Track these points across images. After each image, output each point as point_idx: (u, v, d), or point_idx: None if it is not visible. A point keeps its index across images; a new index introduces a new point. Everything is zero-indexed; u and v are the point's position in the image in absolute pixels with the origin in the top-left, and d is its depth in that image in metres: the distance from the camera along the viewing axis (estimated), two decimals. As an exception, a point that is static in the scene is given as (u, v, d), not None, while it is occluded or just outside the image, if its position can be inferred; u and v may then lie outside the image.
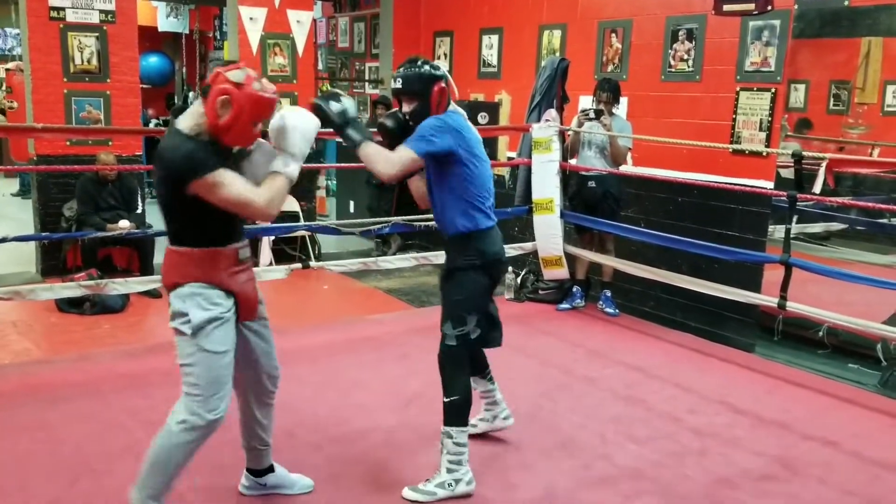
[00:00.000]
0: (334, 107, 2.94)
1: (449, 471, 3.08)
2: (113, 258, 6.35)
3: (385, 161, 2.94)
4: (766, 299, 4.76)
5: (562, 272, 5.92)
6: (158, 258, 6.12)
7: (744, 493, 3.26)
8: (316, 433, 3.64)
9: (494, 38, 7.22)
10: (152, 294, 5.77)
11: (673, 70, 5.64)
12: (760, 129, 5.10)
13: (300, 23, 7.21)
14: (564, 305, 5.92)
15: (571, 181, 5.87)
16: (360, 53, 9.56)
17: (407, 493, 3.09)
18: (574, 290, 5.95)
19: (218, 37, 12.62)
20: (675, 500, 3.18)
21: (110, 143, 6.38)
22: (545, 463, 3.46)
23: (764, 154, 5.07)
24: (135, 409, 3.82)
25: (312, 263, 5.59)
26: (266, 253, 6.69)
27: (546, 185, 5.80)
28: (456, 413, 3.08)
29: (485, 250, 3.08)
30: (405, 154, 2.94)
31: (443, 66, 3.01)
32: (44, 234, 6.28)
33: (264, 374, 2.89)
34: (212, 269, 2.61)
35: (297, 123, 2.68)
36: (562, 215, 5.81)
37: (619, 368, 4.73)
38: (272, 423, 3.00)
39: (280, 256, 6.78)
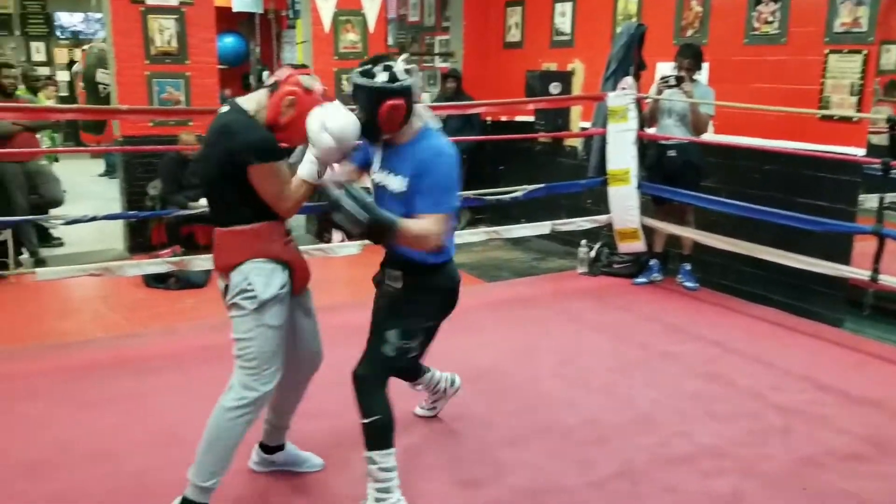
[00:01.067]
0: (345, 220, 2.48)
1: (377, 500, 2.73)
2: (195, 235, 6.53)
3: (434, 236, 2.57)
4: (856, 272, 4.55)
5: (638, 245, 5.79)
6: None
7: (831, 473, 3.14)
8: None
9: (567, 6, 7.07)
10: (233, 269, 5.92)
11: (757, 33, 5.41)
12: (851, 94, 4.85)
13: (371, -2, 7.21)
14: (641, 279, 5.80)
15: (649, 151, 5.73)
16: (430, 27, 9.51)
17: None
18: (651, 263, 5.82)
19: (291, 16, 12.75)
20: (757, 480, 3.10)
21: (190, 123, 6.54)
22: (621, 439, 3.41)
23: (854, 120, 4.82)
24: (218, 381, 3.90)
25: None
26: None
27: (622, 156, 5.67)
28: (378, 435, 2.71)
29: (450, 277, 2.84)
30: (440, 220, 2.58)
31: (408, 68, 2.60)
32: (130, 212, 6.51)
33: (308, 353, 2.93)
34: (270, 242, 2.67)
35: (337, 133, 2.54)
36: (639, 186, 5.68)
37: (699, 344, 4.61)
38: (299, 402, 3.02)
39: (354, 232, 6.85)
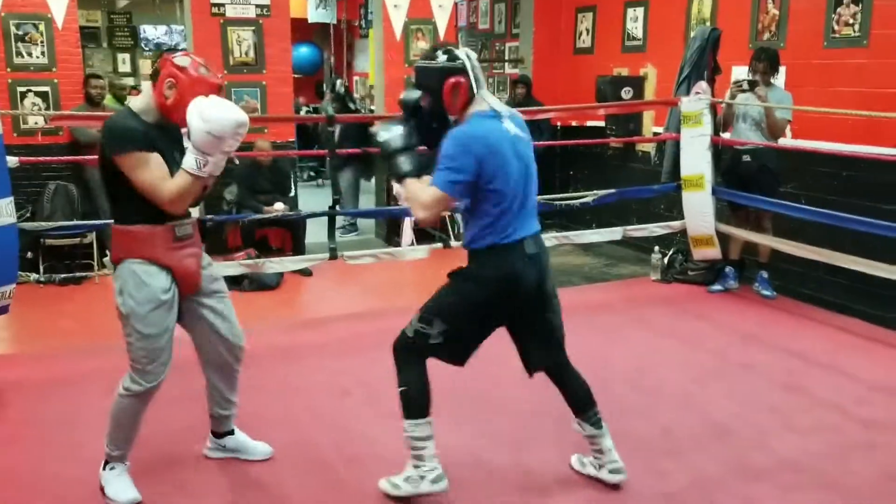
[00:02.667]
0: (381, 136, 2.75)
1: (414, 466, 2.83)
2: (268, 238, 6.68)
3: (419, 205, 2.66)
4: (945, 282, 4.35)
5: (713, 252, 5.66)
6: (310, 238, 6.41)
7: (919, 491, 3.01)
8: (461, 408, 3.67)
9: (640, 11, 6.99)
10: (304, 272, 6.04)
11: (837, 36, 5.24)
12: (940, 96, 4.65)
13: (442, 7, 7.27)
14: (716, 287, 5.66)
15: (724, 156, 5.60)
16: (500, 34, 9.52)
17: (381, 482, 2.92)
18: (727, 270, 5.68)
19: (363, 25, 12.96)
20: (839, 496, 2.98)
21: (265, 131, 6.70)
22: (696, 451, 3.33)
23: (944, 123, 4.61)
24: (290, 380, 4.01)
25: (452, 243, 5.64)
26: (408, 233, 6.82)
27: (696, 161, 5.55)
28: (408, 404, 2.80)
29: (496, 266, 2.72)
30: (433, 194, 2.62)
31: (469, 56, 2.68)
32: (207, 216, 6.69)
33: (223, 348, 3.02)
34: (149, 245, 2.73)
35: (213, 121, 2.55)
36: (713, 192, 5.55)
37: (778, 354, 4.47)
38: (235, 392, 3.16)
39: (421, 237, 6.89)
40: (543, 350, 2.92)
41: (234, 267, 5.00)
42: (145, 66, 14.57)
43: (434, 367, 2.87)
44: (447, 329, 2.75)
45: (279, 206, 6.18)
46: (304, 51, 13.23)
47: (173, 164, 2.69)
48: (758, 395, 3.91)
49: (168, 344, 2.84)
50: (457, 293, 2.78)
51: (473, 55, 2.72)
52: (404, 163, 2.72)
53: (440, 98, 2.66)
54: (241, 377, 3.25)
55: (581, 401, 2.96)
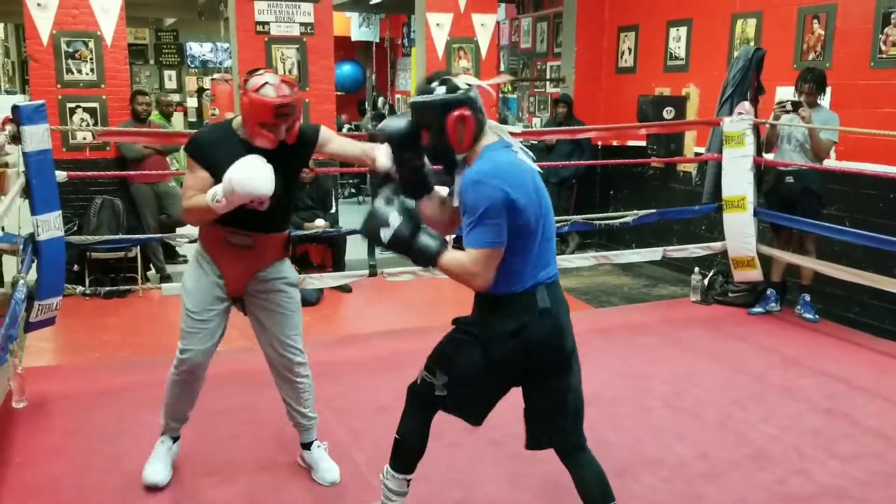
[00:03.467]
0: (384, 233, 2.41)
1: None
2: (309, 254, 6.76)
3: (469, 276, 2.35)
4: None
5: (754, 274, 5.59)
6: (351, 255, 6.47)
7: (968, 523, 2.92)
8: (500, 429, 3.67)
9: (683, 30, 6.96)
10: (344, 289, 6.10)
11: (884, 56, 5.16)
12: None
13: (484, 26, 7.32)
14: (757, 309, 5.58)
15: (767, 177, 5.53)
16: (542, 53, 9.55)
17: None
18: (768, 293, 5.60)
19: (406, 44, 13.10)
20: (884, 525, 2.91)
21: (308, 148, 6.78)
22: (735, 475, 3.28)
23: None
24: (328, 397, 4.03)
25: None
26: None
27: (738, 182, 5.50)
28: (396, 454, 2.67)
29: (503, 318, 2.41)
30: (478, 257, 2.31)
31: (469, 81, 2.39)
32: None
33: (272, 355, 3.23)
34: (205, 237, 3.04)
35: (235, 182, 2.67)
36: (755, 213, 5.49)
37: (820, 378, 4.39)
38: (303, 404, 3.25)
39: (462, 255, 6.91)
40: (552, 423, 2.52)
41: (274, 282, 5.07)
42: (191, 83, 14.92)
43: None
44: (449, 382, 2.50)
45: (320, 223, 6.25)
46: (346, 69, 13.41)
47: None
48: (799, 419, 3.84)
49: (205, 331, 3.05)
50: (458, 346, 2.50)
51: (475, 82, 2.42)
52: (423, 243, 2.39)
53: (445, 136, 2.34)
54: (278, 394, 3.29)
55: (593, 495, 2.54)
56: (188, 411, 3.26)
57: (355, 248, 6.19)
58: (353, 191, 11.69)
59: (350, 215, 8.25)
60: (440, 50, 7.21)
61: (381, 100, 13.14)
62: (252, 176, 2.68)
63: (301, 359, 3.20)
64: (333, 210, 6.66)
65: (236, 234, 2.95)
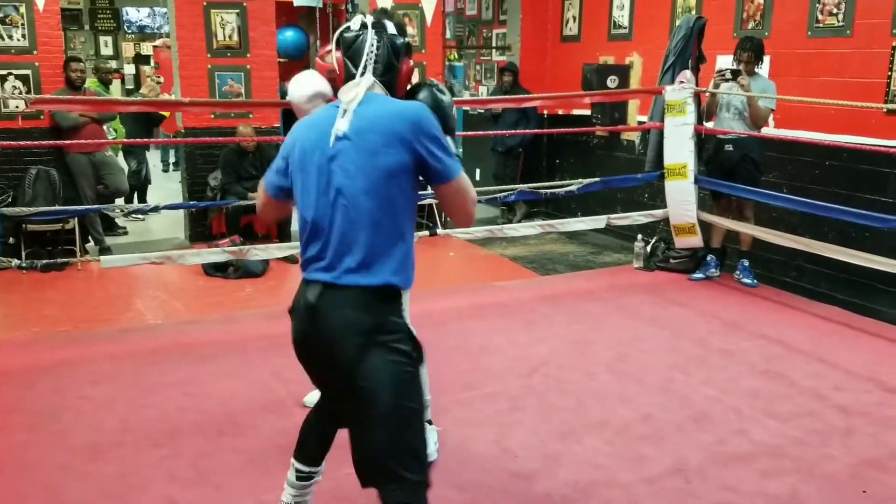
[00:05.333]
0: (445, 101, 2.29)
1: None
2: (254, 225, 6.66)
3: (473, 202, 2.14)
4: (923, 271, 4.42)
5: (695, 240, 5.71)
6: (295, 225, 6.39)
7: (893, 476, 3.06)
8: (444, 396, 3.70)
9: (626, -1, 6.99)
10: (290, 259, 6.03)
11: (821, 25, 5.27)
12: (921, 87, 4.70)
13: (429, -8, 7.24)
14: (698, 275, 5.71)
15: (707, 145, 5.63)
16: (487, 20, 9.50)
17: None
18: (708, 259, 5.73)
19: (350, 10, 12.86)
20: (816, 481, 3.03)
21: (251, 116, 6.66)
22: (677, 436, 3.38)
23: (924, 113, 4.67)
24: (276, 369, 4.01)
25: (439, 231, 5.66)
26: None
27: (679, 150, 5.58)
28: None
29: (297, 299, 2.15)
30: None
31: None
32: (191, 202, 6.67)
33: None
34: None
35: (289, 89, 2.76)
36: (696, 181, 5.59)
37: (758, 342, 4.52)
38: None
39: (409, 224, 6.90)
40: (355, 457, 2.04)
41: (218, 254, 5.00)
42: (128, 49, 14.44)
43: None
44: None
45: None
46: (289, 35, 13.10)
47: None
48: (738, 381, 3.96)
49: None
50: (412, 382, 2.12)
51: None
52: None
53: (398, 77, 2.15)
54: (224, 366, 3.25)
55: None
56: None
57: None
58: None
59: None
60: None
61: (325, 67, 12.92)
62: (300, 81, 2.75)
63: None
64: (278, 180, 6.56)
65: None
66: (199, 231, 6.78)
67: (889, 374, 4.05)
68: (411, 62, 2.17)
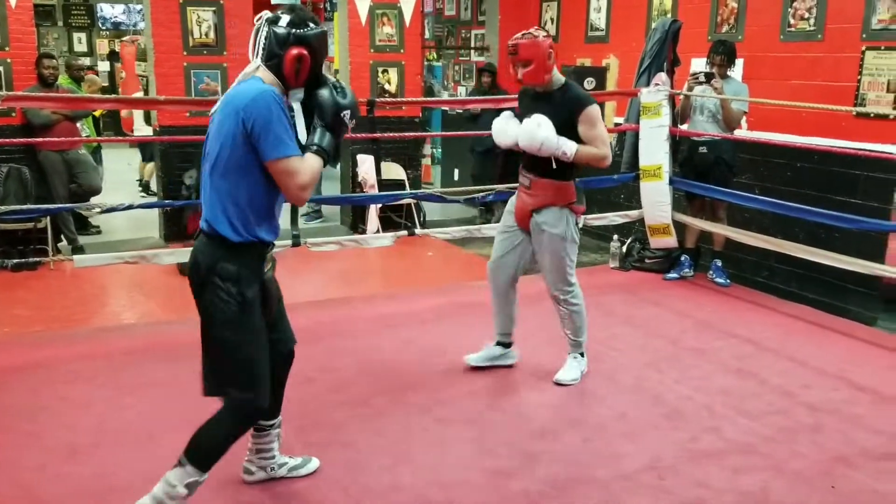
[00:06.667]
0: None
1: None
2: (229, 225, 6.63)
3: (298, 186, 2.45)
4: (890, 270, 4.51)
5: (669, 241, 5.78)
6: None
7: (861, 473, 3.13)
8: (424, 394, 3.73)
9: (603, 1, 7.06)
10: (266, 259, 6.02)
11: (793, 29, 5.36)
12: (888, 91, 4.80)
13: (408, -8, 7.25)
14: (672, 275, 5.79)
15: (682, 147, 5.71)
16: (466, 21, 9.54)
17: None
18: (682, 259, 5.81)
19: (328, 8, 12.84)
20: (786, 477, 3.09)
21: (226, 114, 6.62)
22: (651, 434, 3.43)
23: (891, 117, 4.77)
24: (252, 369, 4.00)
25: (417, 230, 5.68)
26: (373, 221, 6.84)
27: (654, 151, 5.65)
28: None
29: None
30: None
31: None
32: (166, 201, 6.63)
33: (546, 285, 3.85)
34: None
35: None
36: (671, 182, 5.66)
37: (730, 340, 4.60)
38: (564, 327, 3.97)
39: (386, 224, 6.91)
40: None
41: (194, 253, 4.97)
42: (102, 46, 14.29)
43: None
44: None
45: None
46: (266, 33, 13.05)
47: None
48: (710, 379, 4.02)
49: (498, 245, 4.05)
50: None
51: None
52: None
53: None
54: (199, 365, 3.24)
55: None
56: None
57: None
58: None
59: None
60: (363, 15, 7.11)
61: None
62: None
63: (559, 295, 3.83)
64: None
65: (523, 175, 3.73)
66: (175, 230, 6.73)
67: (857, 372, 4.14)
68: (298, 51, 2.40)
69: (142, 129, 9.02)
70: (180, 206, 6.43)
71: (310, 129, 2.51)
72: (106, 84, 13.14)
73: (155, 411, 3.56)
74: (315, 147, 2.45)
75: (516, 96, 4.09)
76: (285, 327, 2.78)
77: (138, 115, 9.04)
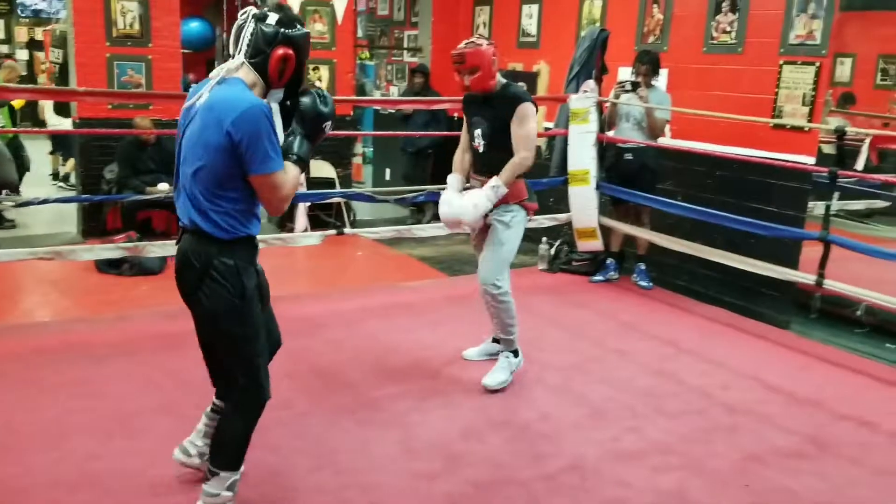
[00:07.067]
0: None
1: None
2: (152, 221, 6.46)
3: (280, 199, 2.43)
4: (803, 276, 4.69)
5: (596, 244, 5.88)
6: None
7: (773, 471, 3.24)
8: (350, 396, 3.69)
9: (534, 8, 7.13)
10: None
11: (715, 42, 5.53)
12: (803, 104, 4.99)
13: (340, -10, 7.19)
14: (598, 277, 5.90)
15: (608, 153, 5.82)
16: (399, 21, 9.52)
17: None
18: (608, 262, 5.92)
19: (259, 2, 12.64)
20: (704, 476, 3.18)
21: (151, 108, 6.46)
22: (574, 434, 3.48)
23: (806, 129, 4.96)
24: (171, 370, 3.91)
25: (347, 230, 5.63)
26: (301, 219, 6.74)
27: (582, 157, 5.74)
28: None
29: None
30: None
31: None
32: (85, 196, 6.41)
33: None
34: None
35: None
36: (598, 187, 5.77)
37: (652, 342, 4.71)
38: (494, 325, 4.01)
39: (315, 223, 6.83)
40: None
41: (112, 250, 4.80)
42: (21, 34, 13.73)
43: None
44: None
45: (163, 187, 5.98)
46: (194, 25, 12.74)
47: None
48: (632, 380, 4.11)
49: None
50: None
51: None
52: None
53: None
54: (117, 366, 3.15)
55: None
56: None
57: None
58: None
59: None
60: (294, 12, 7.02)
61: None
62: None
63: (490, 288, 3.80)
64: (179, 174, 6.38)
65: (475, 178, 3.89)
66: (93, 226, 6.50)
67: (770, 373, 4.29)
68: (284, 51, 2.35)
69: (52, 121, 8.67)
70: (100, 200, 6.22)
71: (287, 132, 2.47)
72: (25, 73, 12.66)
73: (67, 413, 3.43)
74: (294, 157, 2.42)
75: (448, 98, 4.17)
76: (273, 318, 2.79)
77: (48, 105, 8.70)
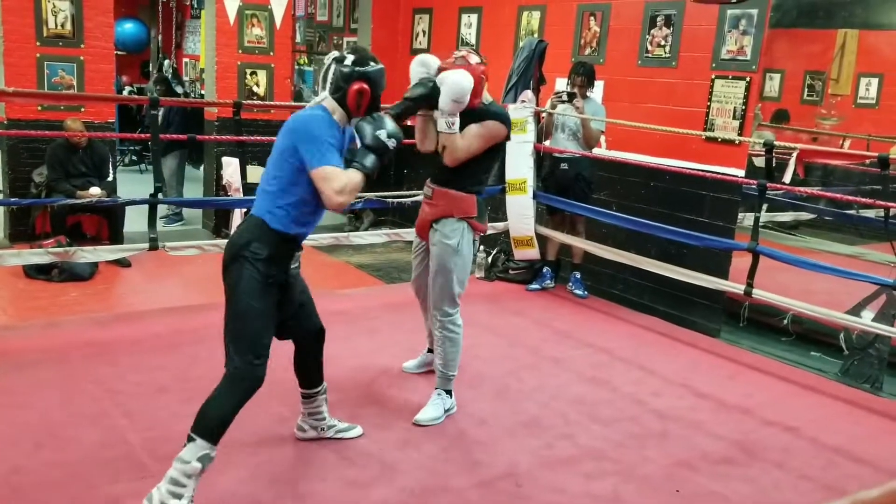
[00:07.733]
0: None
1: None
2: (83, 225, 6.28)
3: (334, 191, 2.77)
4: (732, 286, 4.83)
5: (532, 253, 5.95)
6: (129, 227, 6.09)
7: (703, 476, 3.33)
8: (284, 406, 3.65)
9: (474, 17, 7.19)
10: (122, 263, 5.74)
11: (650, 55, 5.66)
12: (734, 118, 5.15)
13: (279, -6, 7.13)
14: (534, 286, 5.97)
15: (545, 163, 5.90)
16: (339, 27, 9.48)
17: None
18: (544, 270, 6.00)
19: (195, 5, 12.43)
20: (635, 481, 3.24)
21: (82, 110, 6.29)
22: (509, 441, 3.51)
23: (736, 142, 5.11)
24: (101, 378, 3.80)
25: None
26: (237, 225, 6.64)
27: (520, 166, 5.81)
28: None
29: None
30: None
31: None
32: (12, 199, 6.19)
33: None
34: None
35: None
36: (534, 196, 5.84)
37: (586, 350, 4.78)
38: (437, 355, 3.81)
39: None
40: None
41: (41, 255, 4.65)
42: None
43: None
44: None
45: (95, 191, 5.82)
46: (128, 26, 12.50)
47: None
48: (567, 388, 4.17)
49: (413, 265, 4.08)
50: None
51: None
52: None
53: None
54: (44, 375, 3.06)
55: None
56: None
57: (135, 220, 5.81)
58: (134, 158, 10.99)
59: (131, 185, 7.75)
60: (231, 15, 6.94)
61: (166, 62, 12.40)
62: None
63: (438, 314, 3.66)
64: (111, 178, 6.22)
65: (427, 185, 3.81)
66: (21, 230, 6.29)
67: (700, 380, 4.40)
68: (359, 85, 2.81)
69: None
70: (28, 204, 6.02)
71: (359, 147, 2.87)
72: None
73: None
74: (358, 165, 2.78)
75: (386, 106, 4.09)
76: (314, 310, 3.21)
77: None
